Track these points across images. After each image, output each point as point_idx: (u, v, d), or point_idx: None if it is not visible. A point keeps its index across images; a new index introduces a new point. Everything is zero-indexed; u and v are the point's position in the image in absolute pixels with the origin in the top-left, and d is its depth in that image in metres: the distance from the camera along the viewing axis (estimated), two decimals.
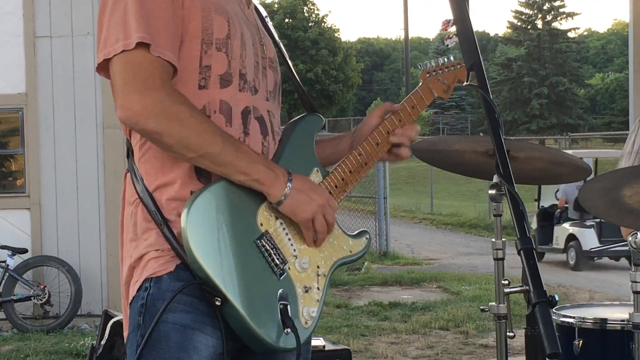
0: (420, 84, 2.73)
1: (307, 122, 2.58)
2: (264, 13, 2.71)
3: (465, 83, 2.11)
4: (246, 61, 2.44)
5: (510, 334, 2.38)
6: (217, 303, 2.21)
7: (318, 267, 2.42)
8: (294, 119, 2.60)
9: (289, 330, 2.27)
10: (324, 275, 2.43)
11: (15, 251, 9.91)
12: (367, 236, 2.57)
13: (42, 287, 9.84)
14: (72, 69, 10.21)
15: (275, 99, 2.58)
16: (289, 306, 2.29)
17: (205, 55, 2.36)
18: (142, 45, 2.25)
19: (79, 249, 10.14)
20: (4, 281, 9.79)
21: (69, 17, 10.24)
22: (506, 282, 2.09)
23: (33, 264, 10.02)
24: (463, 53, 2.10)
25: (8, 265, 9.82)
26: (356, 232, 2.54)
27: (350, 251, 2.51)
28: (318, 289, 2.40)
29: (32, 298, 9.84)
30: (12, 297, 9.77)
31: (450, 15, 2.17)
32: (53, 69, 10.25)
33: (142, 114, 2.23)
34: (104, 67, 2.33)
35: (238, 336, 2.29)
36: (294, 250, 2.38)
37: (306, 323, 2.36)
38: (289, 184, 2.32)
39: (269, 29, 2.69)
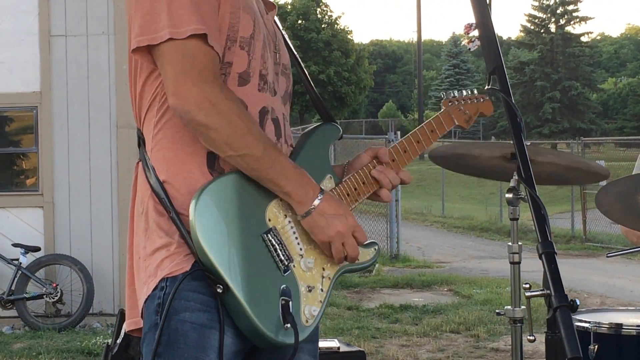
0: (442, 110, 2.77)
1: (324, 131, 2.63)
2: (279, 25, 2.74)
3: (487, 87, 2.12)
4: (268, 63, 2.48)
5: (531, 337, 2.39)
6: (219, 290, 2.24)
7: (324, 269, 2.44)
8: (311, 127, 2.64)
9: (288, 325, 2.29)
10: (329, 278, 2.46)
11: (28, 249, 9.92)
12: (376, 247, 2.60)
13: (54, 285, 9.85)
14: (87, 68, 10.23)
15: (287, 104, 2.62)
16: (290, 302, 2.31)
17: (228, 52, 2.39)
18: (195, 36, 2.27)
19: (91, 248, 10.16)
20: (16, 279, 9.80)
21: (84, 16, 10.26)
22: (527, 285, 2.10)
23: (45, 262, 10.03)
24: (485, 57, 2.10)
25: (21, 263, 9.84)
26: (366, 242, 2.56)
27: (358, 259, 2.53)
28: (322, 290, 2.43)
29: (44, 296, 9.84)
30: (25, 295, 9.78)
31: (472, 19, 2.18)
32: (68, 67, 10.28)
33: (195, 104, 2.25)
34: (142, 50, 2.33)
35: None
36: (300, 249, 2.40)
37: (307, 321, 2.38)
38: (315, 203, 2.35)
39: (286, 39, 2.72)
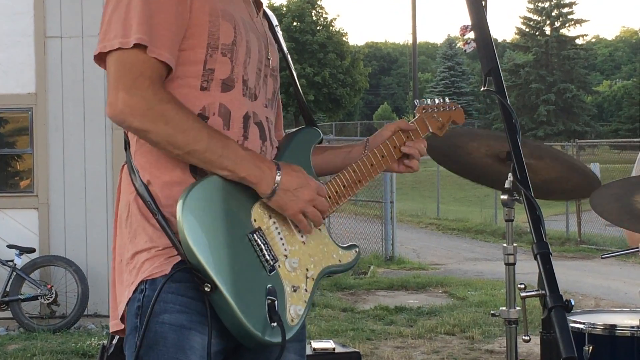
0: (417, 117, 2.81)
1: (304, 134, 2.67)
2: (274, 22, 2.75)
3: (483, 89, 2.13)
4: (249, 68, 2.49)
5: (526, 337, 2.40)
6: (207, 289, 2.25)
7: (307, 269, 2.47)
8: (291, 131, 2.68)
9: (275, 324, 2.31)
10: (313, 278, 2.48)
11: (23, 250, 9.93)
12: (357, 250, 2.64)
13: (49, 286, 9.86)
14: (82, 70, 10.23)
15: (273, 106, 2.64)
16: (276, 302, 2.34)
17: (210, 59, 2.41)
18: (139, 45, 2.30)
19: (86, 249, 10.16)
20: (11, 280, 9.80)
21: (79, 17, 10.26)
22: (522, 286, 2.11)
23: (40, 264, 10.04)
24: (481, 59, 2.11)
25: (15, 264, 9.84)
26: (347, 244, 2.62)
27: (340, 261, 2.58)
28: (306, 290, 2.45)
29: (39, 297, 9.85)
30: (19, 296, 9.78)
31: (468, 21, 2.19)
32: (63, 69, 10.28)
33: (127, 112, 2.28)
34: (101, 58, 2.38)
35: (231, 333, 2.33)
36: (285, 249, 2.43)
37: (292, 320, 2.40)
38: (276, 180, 2.37)
39: (278, 38, 2.73)
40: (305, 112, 2.75)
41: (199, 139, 2.30)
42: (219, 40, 2.40)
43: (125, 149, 2.51)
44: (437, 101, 2.86)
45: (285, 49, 2.77)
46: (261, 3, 2.68)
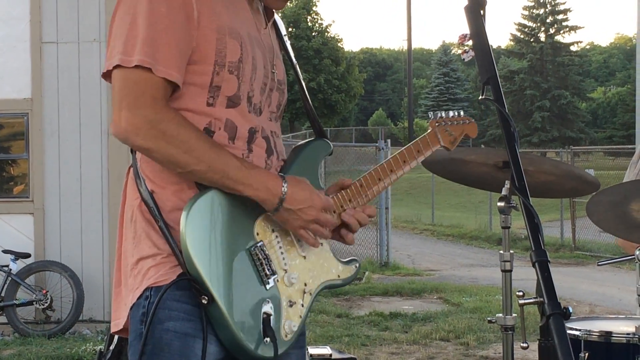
0: (429, 130, 2.78)
1: (314, 147, 2.65)
2: (283, 31, 2.76)
3: (481, 97, 2.14)
4: (255, 84, 2.50)
5: (524, 345, 2.41)
6: (204, 301, 2.27)
7: (305, 284, 2.48)
8: (301, 143, 2.65)
9: (268, 339, 2.33)
10: (310, 293, 2.49)
11: (18, 256, 9.90)
12: (357, 264, 2.64)
13: (44, 292, 9.84)
14: (78, 75, 10.23)
15: (278, 119, 2.64)
16: (271, 317, 2.35)
17: (216, 77, 2.41)
18: (142, 67, 2.29)
19: (81, 255, 10.15)
20: (6, 285, 9.79)
21: (75, 23, 10.26)
22: (520, 293, 2.12)
23: (36, 269, 10.02)
24: (479, 67, 2.12)
25: (11, 269, 9.82)
26: (347, 259, 2.61)
27: (339, 276, 2.58)
28: (302, 305, 2.47)
29: (34, 303, 9.83)
30: (14, 301, 9.77)
31: (465, 29, 2.20)
32: (59, 74, 10.27)
33: (130, 130, 2.28)
34: (109, 75, 2.38)
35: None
36: (285, 264, 2.44)
37: (286, 336, 2.42)
38: (282, 195, 2.37)
39: (286, 47, 2.73)
40: (314, 123, 2.73)
41: (201, 160, 2.30)
42: (225, 58, 2.40)
43: (132, 151, 2.51)
44: (451, 114, 2.83)
45: (294, 59, 2.78)
46: (272, 12, 2.68)
